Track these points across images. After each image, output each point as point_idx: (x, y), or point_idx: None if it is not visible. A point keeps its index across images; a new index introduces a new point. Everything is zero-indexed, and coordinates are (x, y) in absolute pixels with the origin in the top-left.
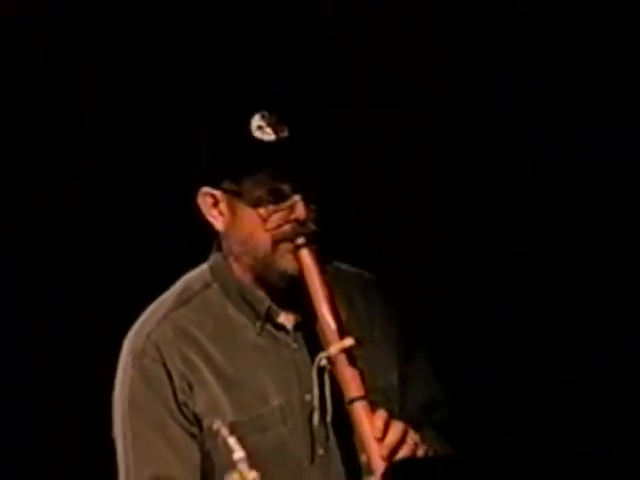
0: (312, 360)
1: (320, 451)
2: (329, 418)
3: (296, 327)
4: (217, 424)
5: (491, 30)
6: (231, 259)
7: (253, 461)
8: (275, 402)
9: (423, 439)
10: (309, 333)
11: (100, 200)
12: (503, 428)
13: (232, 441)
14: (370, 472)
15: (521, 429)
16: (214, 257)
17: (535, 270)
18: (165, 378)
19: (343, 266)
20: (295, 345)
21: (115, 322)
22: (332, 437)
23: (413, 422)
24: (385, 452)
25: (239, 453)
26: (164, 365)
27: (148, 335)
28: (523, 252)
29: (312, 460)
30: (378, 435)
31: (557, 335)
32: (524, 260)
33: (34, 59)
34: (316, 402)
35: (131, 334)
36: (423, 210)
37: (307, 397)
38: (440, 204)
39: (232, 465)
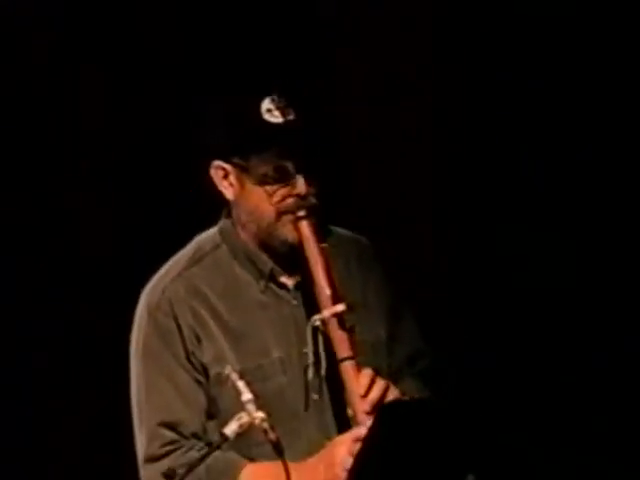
0: (309, 316)
1: (315, 397)
2: (323, 371)
3: (296, 286)
4: (228, 369)
5: (491, 30)
6: (238, 225)
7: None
8: (275, 354)
9: (403, 393)
10: (308, 292)
11: (100, 199)
12: (504, 430)
13: (241, 384)
14: (356, 423)
15: (521, 430)
16: (223, 222)
17: (535, 269)
18: (176, 331)
19: (342, 231)
20: (295, 302)
21: (115, 322)
22: (325, 388)
23: (399, 372)
24: (368, 407)
25: (247, 395)
26: (175, 319)
27: (163, 291)
28: (523, 252)
29: (307, 406)
30: (362, 392)
31: (557, 334)
32: (524, 260)
33: (34, 59)
34: (310, 357)
35: (147, 290)
36: (423, 210)
37: (303, 350)
38: (440, 204)
39: (240, 406)
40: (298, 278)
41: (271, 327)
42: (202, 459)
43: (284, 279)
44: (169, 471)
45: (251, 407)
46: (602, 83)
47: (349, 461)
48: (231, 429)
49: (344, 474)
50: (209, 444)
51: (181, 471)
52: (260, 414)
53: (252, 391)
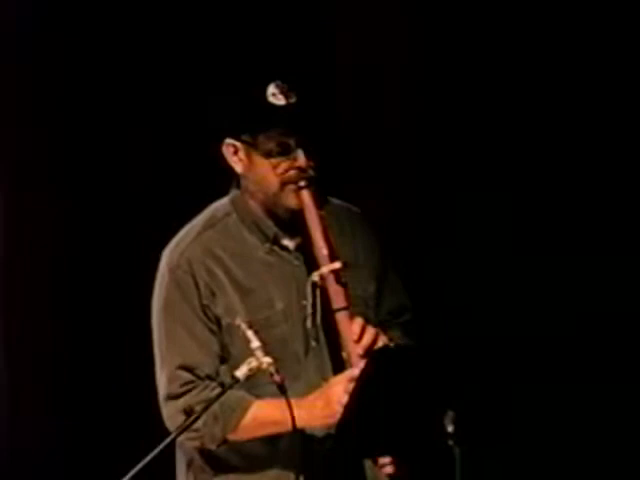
0: (308, 274)
1: (313, 344)
2: (319, 320)
3: (297, 248)
4: (238, 320)
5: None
6: (247, 195)
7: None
8: (279, 306)
9: (390, 340)
10: (307, 253)
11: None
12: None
13: (250, 333)
14: (350, 366)
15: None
16: (233, 193)
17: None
18: (193, 287)
19: (336, 201)
20: (296, 262)
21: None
22: (322, 335)
23: (385, 322)
24: (360, 351)
25: (255, 342)
26: (193, 276)
27: (182, 253)
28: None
29: (307, 351)
30: (355, 338)
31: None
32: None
33: None
34: (309, 309)
35: (167, 251)
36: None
37: (303, 303)
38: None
39: (249, 352)
40: (298, 241)
41: (275, 283)
42: (217, 397)
43: (286, 242)
44: (187, 407)
45: (259, 353)
46: (592, 83)
47: (344, 398)
48: (242, 372)
49: (340, 409)
50: (222, 384)
51: (198, 407)
52: (267, 359)
53: (259, 339)
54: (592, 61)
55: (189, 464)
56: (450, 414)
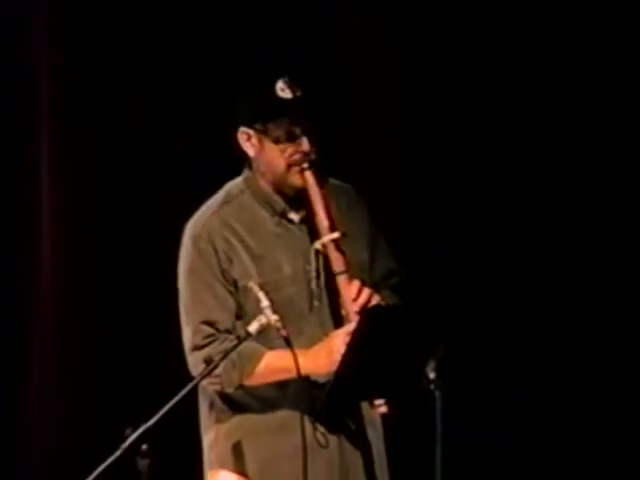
0: (311, 243)
1: (316, 303)
2: (322, 282)
3: (301, 221)
4: (251, 283)
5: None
6: (258, 175)
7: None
8: (287, 271)
9: (383, 300)
10: (310, 226)
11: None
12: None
13: (261, 294)
14: (349, 321)
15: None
16: (246, 173)
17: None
18: (213, 253)
19: (334, 181)
20: (300, 233)
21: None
22: (324, 296)
23: (378, 284)
24: (357, 308)
25: (265, 302)
26: (213, 245)
27: (203, 225)
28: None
29: (310, 309)
30: (353, 297)
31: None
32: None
33: None
34: (313, 273)
35: (190, 225)
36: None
37: (307, 267)
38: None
39: (260, 311)
40: (303, 215)
41: (283, 251)
42: (233, 348)
43: (292, 215)
44: (208, 358)
45: (268, 311)
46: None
47: (343, 348)
48: (253, 327)
49: (339, 358)
50: (238, 338)
51: (217, 357)
52: (275, 316)
53: (269, 299)
54: (591, 65)
55: (211, 405)
56: (432, 363)
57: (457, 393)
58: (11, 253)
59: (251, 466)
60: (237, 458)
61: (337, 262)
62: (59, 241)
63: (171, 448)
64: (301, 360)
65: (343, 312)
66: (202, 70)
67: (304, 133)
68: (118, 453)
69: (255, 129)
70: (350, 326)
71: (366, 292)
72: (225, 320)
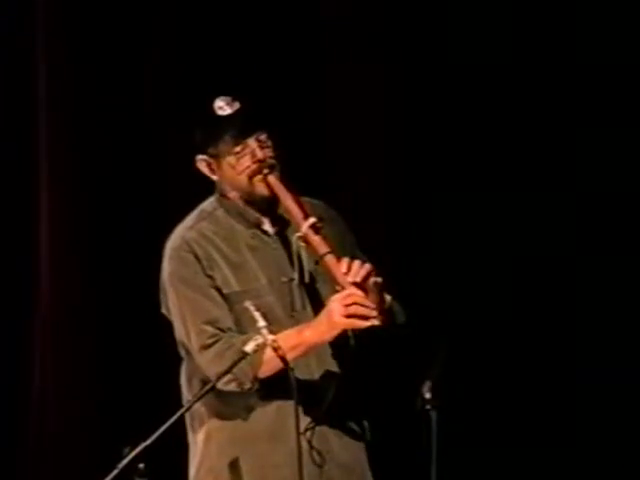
0: (286, 254)
1: (296, 312)
2: (307, 279)
3: (276, 233)
4: (247, 303)
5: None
6: (227, 194)
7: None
8: (263, 280)
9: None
10: (284, 238)
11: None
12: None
13: (257, 314)
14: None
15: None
16: (216, 194)
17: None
18: (196, 261)
19: (312, 200)
20: (275, 245)
21: None
22: (307, 303)
23: None
24: (351, 279)
25: (262, 322)
26: (194, 254)
27: (182, 237)
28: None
29: (291, 317)
30: (345, 270)
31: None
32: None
33: None
34: (296, 275)
35: (169, 242)
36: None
37: (282, 279)
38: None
39: (256, 330)
40: (277, 227)
41: (259, 262)
42: (235, 364)
43: (267, 227)
44: (220, 352)
45: (265, 332)
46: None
47: (341, 310)
48: (250, 347)
49: (339, 320)
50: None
51: (229, 352)
52: (271, 336)
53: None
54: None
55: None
56: (428, 383)
57: (453, 413)
58: (11, 253)
59: (245, 477)
60: (231, 471)
61: (319, 245)
62: (59, 241)
63: (168, 467)
64: (307, 333)
65: (337, 288)
66: (202, 70)
67: (255, 142)
68: (115, 472)
69: (209, 154)
70: (346, 291)
71: (357, 263)
72: (225, 317)
